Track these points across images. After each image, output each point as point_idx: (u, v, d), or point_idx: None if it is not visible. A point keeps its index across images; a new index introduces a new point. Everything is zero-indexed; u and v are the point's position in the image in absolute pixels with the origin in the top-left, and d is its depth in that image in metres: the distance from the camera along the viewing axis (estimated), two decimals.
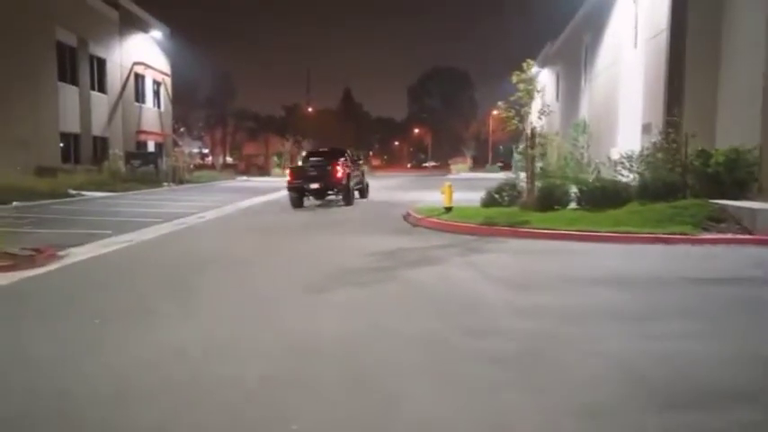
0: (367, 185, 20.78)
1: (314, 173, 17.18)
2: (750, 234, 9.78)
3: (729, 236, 9.76)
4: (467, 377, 3.79)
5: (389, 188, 26.12)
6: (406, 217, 13.33)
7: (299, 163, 23.28)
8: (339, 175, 16.96)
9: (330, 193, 17.67)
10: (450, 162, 70.51)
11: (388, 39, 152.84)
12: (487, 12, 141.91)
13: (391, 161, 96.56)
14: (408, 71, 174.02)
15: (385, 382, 3.72)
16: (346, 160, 18.14)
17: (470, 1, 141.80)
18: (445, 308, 5.55)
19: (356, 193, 18.88)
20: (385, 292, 6.25)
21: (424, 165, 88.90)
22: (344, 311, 5.43)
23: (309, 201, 17.77)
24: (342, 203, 17.63)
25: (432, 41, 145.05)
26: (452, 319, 5.12)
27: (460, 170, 59.61)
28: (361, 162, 21.65)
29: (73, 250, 8.63)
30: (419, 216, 12.74)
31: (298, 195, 17.15)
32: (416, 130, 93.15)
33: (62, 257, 8.07)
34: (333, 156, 18.40)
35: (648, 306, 5.63)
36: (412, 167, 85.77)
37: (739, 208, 10.46)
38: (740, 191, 11.65)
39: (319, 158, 18.56)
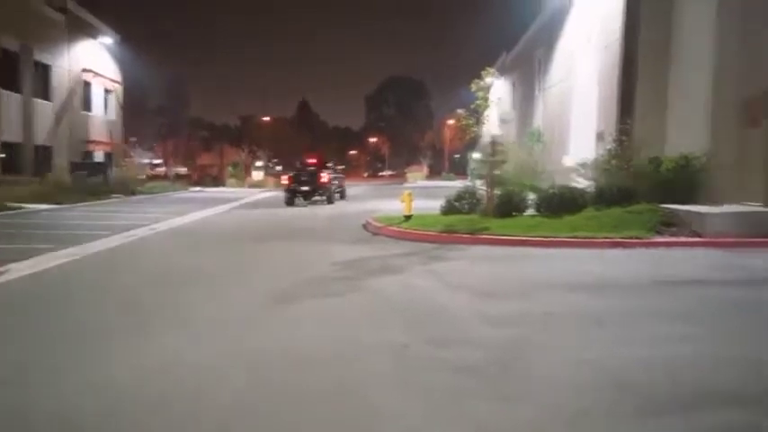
0: (344, 189, 25.84)
1: (305, 178, 21.98)
2: (700, 237, 10.09)
3: (682, 239, 10.05)
4: (434, 387, 3.66)
5: (348, 198, 26.06)
6: (366, 226, 13.18)
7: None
8: (324, 180, 21.95)
9: (317, 194, 21.89)
10: (406, 171, 70.84)
11: (346, 48, 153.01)
12: (443, 22, 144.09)
13: (348, 170, 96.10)
14: (366, 81, 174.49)
15: (357, 393, 3.56)
16: (330, 169, 23.59)
17: (426, 11, 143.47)
18: (410, 318, 5.42)
19: (337, 195, 23.72)
20: (349, 303, 6.07)
21: (381, 174, 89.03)
22: (310, 323, 5.24)
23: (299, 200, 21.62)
24: (325, 203, 21.82)
25: (388, 51, 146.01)
26: (418, 329, 4.99)
27: (417, 179, 59.99)
28: (339, 171, 27.09)
29: (12, 266, 8.10)
30: (379, 225, 12.61)
31: (291, 195, 21.77)
32: (373, 140, 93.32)
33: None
34: (319, 166, 23.52)
35: (613, 309, 5.64)
36: (368, 176, 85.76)
37: (689, 212, 10.79)
38: (689, 196, 12.03)
39: (309, 168, 23.27)
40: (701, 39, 13.66)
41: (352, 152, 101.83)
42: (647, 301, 6.07)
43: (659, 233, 10.38)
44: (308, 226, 14.27)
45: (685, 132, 13.90)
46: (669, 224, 10.75)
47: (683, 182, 12.20)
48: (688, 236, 10.24)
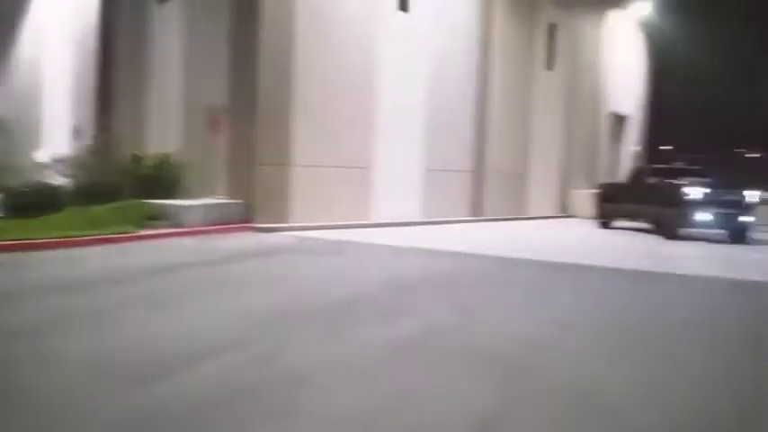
0: None
1: None
2: (182, 227, 11.16)
3: (167, 231, 10.84)
4: None
5: None
6: None
7: None
8: None
9: None
10: None
11: None
12: None
13: None
14: None
15: None
16: None
17: None
18: None
19: None
20: None
21: None
22: None
23: None
24: None
25: None
26: None
27: None
28: None
29: None
30: None
31: None
32: None
33: None
34: None
35: (99, 304, 5.61)
36: None
37: (171, 206, 11.74)
38: (171, 190, 12.97)
39: None
40: (172, 49, 14.79)
41: None
42: (137, 287, 6.31)
43: (148, 227, 10.87)
44: None
45: (165, 132, 14.80)
46: (156, 218, 11.38)
47: (164, 178, 13.01)
48: (172, 227, 11.11)
